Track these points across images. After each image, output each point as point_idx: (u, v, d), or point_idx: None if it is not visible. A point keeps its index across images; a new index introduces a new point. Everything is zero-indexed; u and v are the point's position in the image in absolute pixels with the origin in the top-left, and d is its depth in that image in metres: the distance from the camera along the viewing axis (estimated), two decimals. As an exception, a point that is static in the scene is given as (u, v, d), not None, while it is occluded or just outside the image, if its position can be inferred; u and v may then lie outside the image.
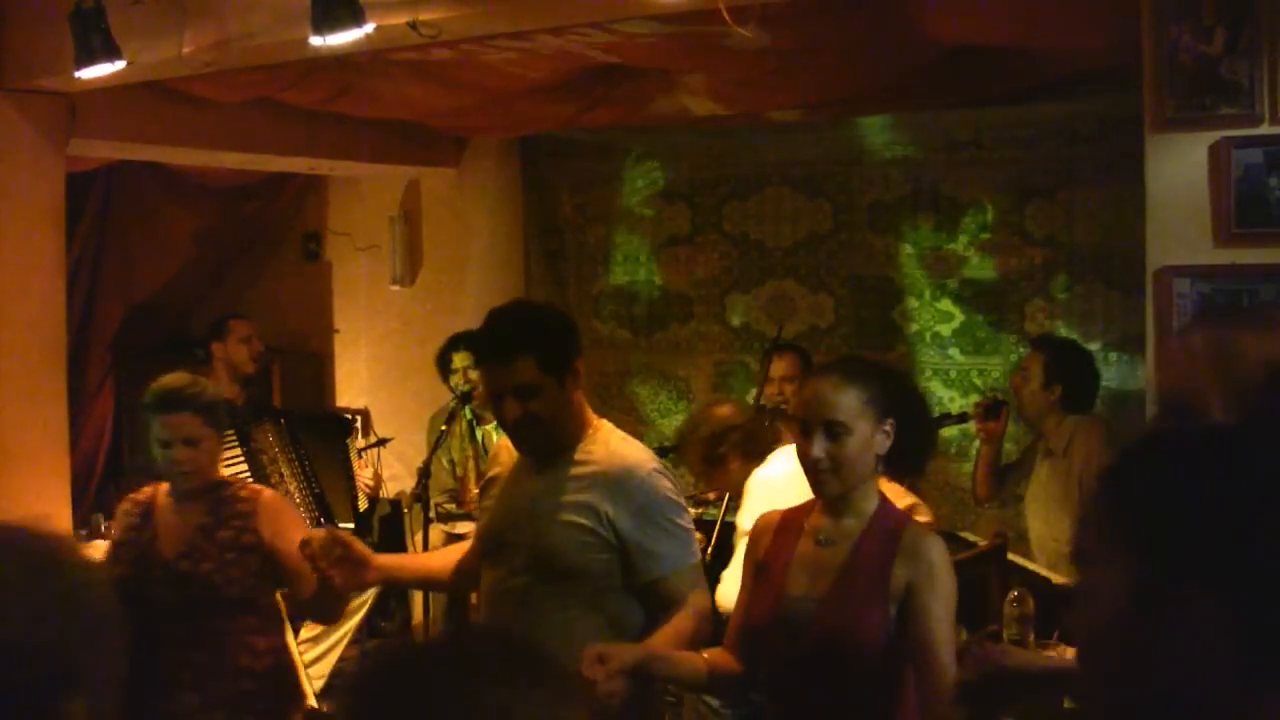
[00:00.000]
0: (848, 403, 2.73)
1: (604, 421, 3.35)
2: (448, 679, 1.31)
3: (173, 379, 3.63)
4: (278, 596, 3.74)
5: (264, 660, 3.59)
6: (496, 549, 3.24)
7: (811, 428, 2.76)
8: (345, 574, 3.16)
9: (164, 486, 3.68)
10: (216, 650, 3.52)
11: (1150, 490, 1.33)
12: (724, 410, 4.73)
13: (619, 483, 3.12)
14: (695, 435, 4.66)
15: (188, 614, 3.51)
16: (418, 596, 6.56)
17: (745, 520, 4.24)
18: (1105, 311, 5.94)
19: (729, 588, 3.92)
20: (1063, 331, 5.92)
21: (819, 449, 2.74)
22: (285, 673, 3.75)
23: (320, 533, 3.25)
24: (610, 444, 3.23)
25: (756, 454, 4.49)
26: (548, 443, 3.18)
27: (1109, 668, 1.36)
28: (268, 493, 3.75)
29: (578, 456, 3.19)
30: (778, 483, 4.25)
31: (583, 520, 3.09)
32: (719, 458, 4.55)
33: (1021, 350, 5.96)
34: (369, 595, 5.96)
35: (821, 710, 2.76)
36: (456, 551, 3.53)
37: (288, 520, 3.68)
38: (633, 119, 6.44)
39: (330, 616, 3.71)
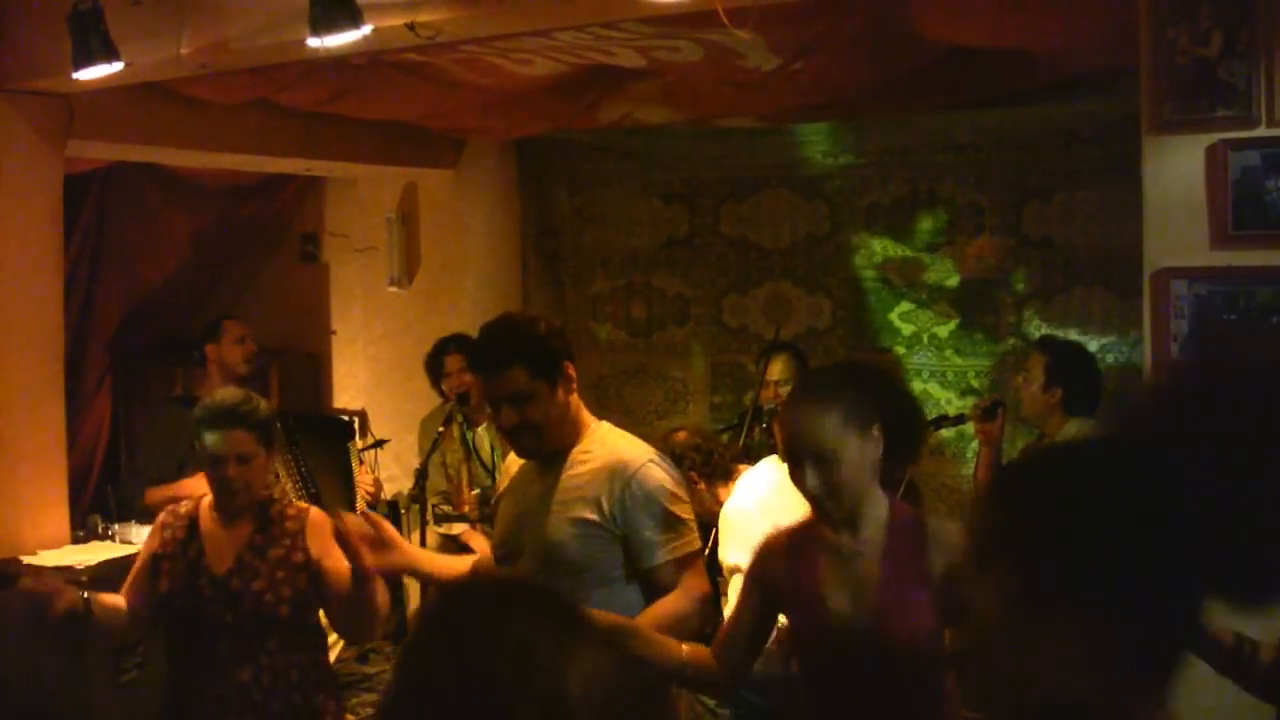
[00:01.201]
0: (828, 427, 2.69)
1: (603, 422, 3.44)
2: (480, 617, 1.40)
3: (227, 394, 3.62)
4: (320, 616, 3.72)
5: (310, 678, 3.57)
6: (508, 554, 3.34)
7: (799, 459, 2.74)
8: (376, 553, 3.23)
9: (206, 500, 3.64)
10: (266, 669, 3.49)
11: (1028, 505, 1.36)
12: (681, 435, 4.73)
13: (617, 474, 3.22)
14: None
15: (237, 632, 3.47)
16: (414, 597, 6.56)
17: (728, 555, 4.23)
18: (1102, 313, 5.95)
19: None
20: (1059, 333, 5.93)
21: (812, 480, 2.72)
22: (330, 693, 3.72)
23: (352, 514, 3.36)
24: (608, 440, 3.33)
25: (719, 475, 4.52)
26: (545, 445, 3.28)
27: (995, 673, 1.39)
28: (314, 511, 3.72)
29: (577, 455, 3.30)
30: (752, 513, 4.24)
31: (586, 514, 3.19)
32: (695, 475, 4.55)
33: (1019, 352, 5.98)
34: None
35: (884, 715, 2.75)
36: (473, 560, 3.66)
37: (333, 539, 3.61)
38: (631, 121, 6.45)
39: (364, 630, 3.62)
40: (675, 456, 4.54)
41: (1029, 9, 4.31)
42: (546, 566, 3.18)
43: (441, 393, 6.37)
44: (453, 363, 6.42)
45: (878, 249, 6.57)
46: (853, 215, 6.60)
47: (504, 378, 3.20)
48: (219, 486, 3.56)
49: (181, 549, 3.58)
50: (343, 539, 3.18)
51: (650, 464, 3.25)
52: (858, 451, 2.71)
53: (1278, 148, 3.48)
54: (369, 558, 3.19)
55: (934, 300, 6.39)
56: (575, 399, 3.36)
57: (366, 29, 4.01)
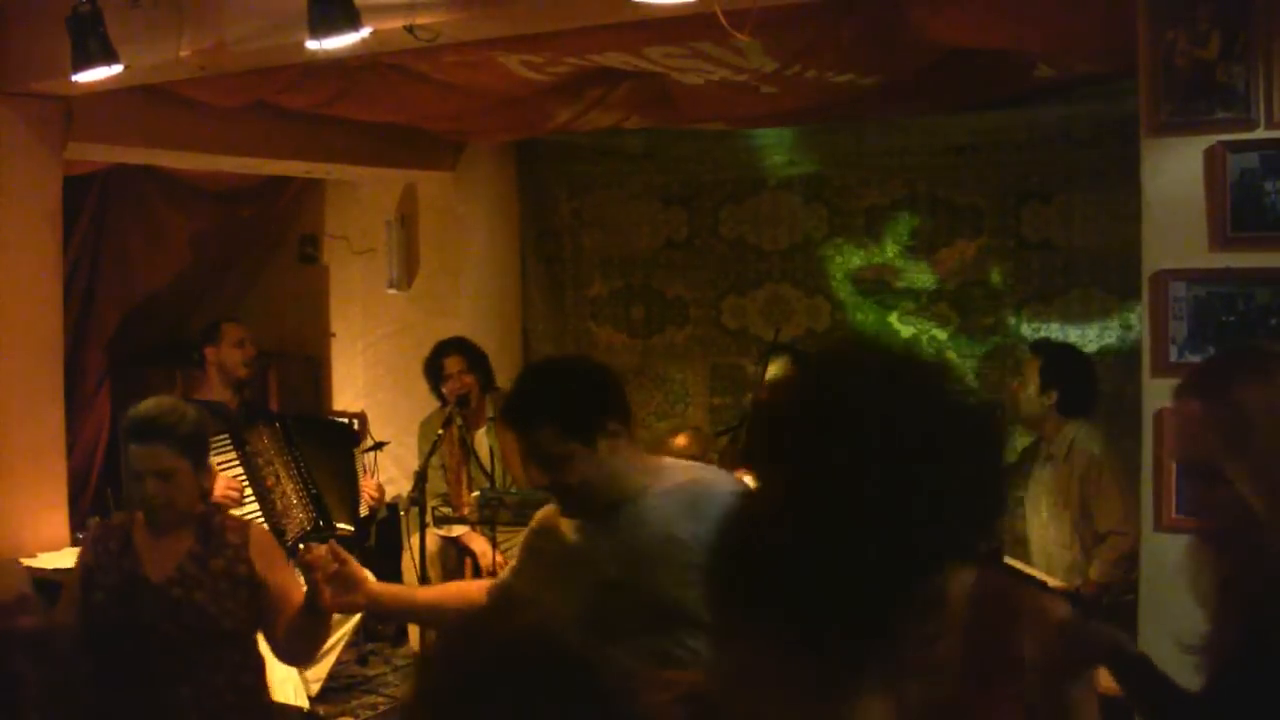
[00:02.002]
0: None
1: (668, 460, 3.16)
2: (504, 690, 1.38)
3: (151, 404, 3.40)
4: (258, 634, 3.54)
5: (248, 698, 3.42)
6: (601, 631, 2.75)
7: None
8: (337, 591, 3.02)
9: (140, 514, 3.44)
10: (204, 684, 3.31)
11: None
12: (679, 440, 4.70)
13: (696, 502, 2.84)
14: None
15: (175, 645, 3.29)
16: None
17: None
18: (1101, 315, 5.95)
19: None
20: (1058, 336, 5.93)
21: None
22: (267, 713, 3.64)
23: (321, 546, 3.09)
24: (678, 475, 2.99)
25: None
26: (594, 502, 2.91)
27: None
28: (257, 525, 3.61)
29: (648, 502, 2.91)
30: None
31: (694, 558, 2.69)
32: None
33: (1016, 354, 5.98)
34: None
35: None
36: (454, 591, 3.42)
37: (277, 555, 3.52)
38: (631, 123, 6.45)
39: (304, 656, 3.47)
40: None
41: (1027, 11, 4.31)
42: (666, 630, 2.76)
43: (441, 396, 6.37)
44: (452, 365, 6.41)
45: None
46: (851, 217, 6.60)
47: (530, 439, 2.86)
48: (139, 502, 3.37)
49: (116, 560, 3.38)
50: (307, 572, 3.02)
51: (731, 494, 2.71)
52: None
53: (1276, 149, 3.48)
54: (328, 596, 3.01)
55: (933, 302, 6.39)
56: (623, 451, 2.93)
57: (365, 31, 4.01)
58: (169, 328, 7.70)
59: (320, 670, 5.82)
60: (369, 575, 3.12)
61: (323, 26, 3.96)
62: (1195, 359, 3.56)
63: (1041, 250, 6.11)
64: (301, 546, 3.14)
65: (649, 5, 3.83)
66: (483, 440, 6.59)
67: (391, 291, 7.59)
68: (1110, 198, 5.81)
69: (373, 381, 7.79)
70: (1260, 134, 3.49)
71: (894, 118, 6.33)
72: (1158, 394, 3.61)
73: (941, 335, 6.38)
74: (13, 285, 5.31)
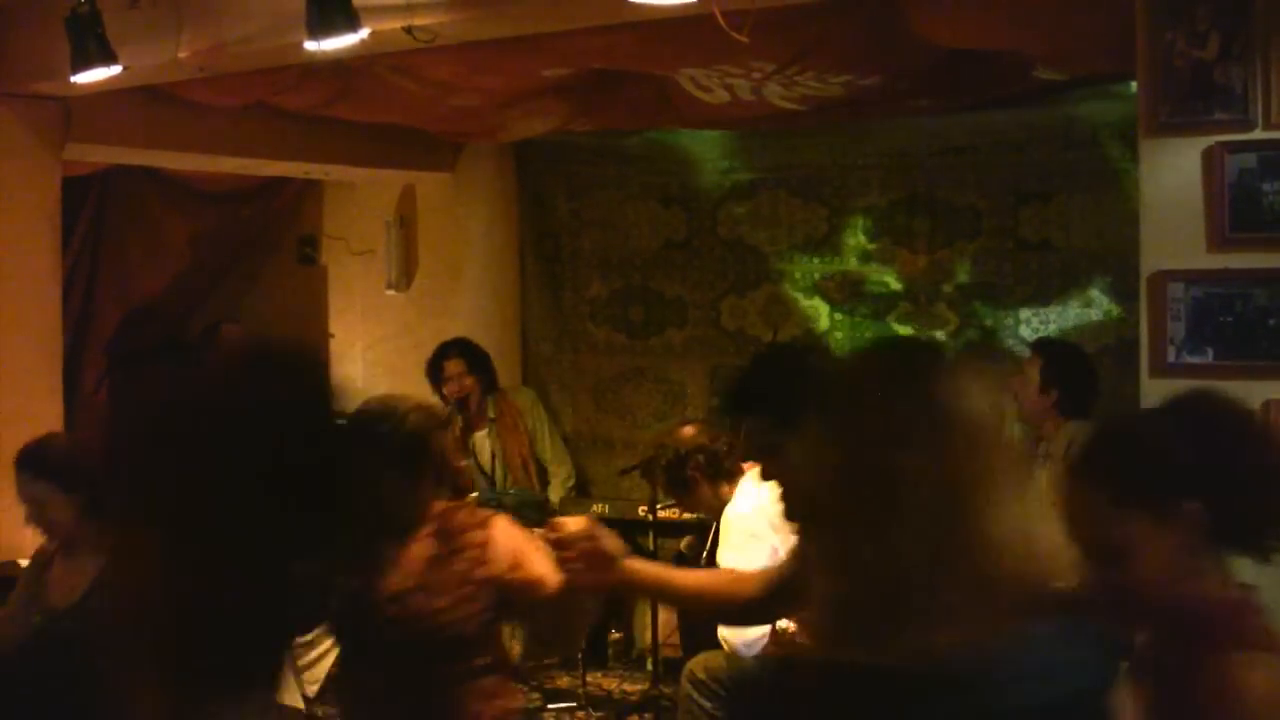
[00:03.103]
0: None
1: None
2: None
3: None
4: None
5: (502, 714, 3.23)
6: None
7: None
8: (591, 570, 2.77)
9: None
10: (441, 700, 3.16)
11: None
12: (688, 431, 4.68)
13: None
14: (660, 459, 4.63)
15: (402, 659, 3.15)
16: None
17: (725, 558, 4.23)
18: (1100, 316, 5.95)
19: None
20: (1056, 335, 5.93)
21: None
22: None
23: (573, 520, 2.90)
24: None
25: (724, 475, 4.49)
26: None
27: None
28: (500, 519, 3.28)
29: None
30: (750, 519, 4.25)
31: None
32: (686, 480, 4.52)
33: (1015, 354, 5.98)
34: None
35: None
36: (718, 582, 3.20)
37: (529, 547, 3.21)
38: (630, 124, 6.46)
39: (568, 646, 3.24)
40: (679, 456, 4.53)
41: (1026, 12, 4.31)
42: None
43: (442, 397, 6.38)
44: (452, 368, 6.42)
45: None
46: (850, 217, 6.60)
47: (742, 428, 2.86)
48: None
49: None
50: (559, 549, 2.79)
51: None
52: None
53: (1274, 150, 3.48)
54: (582, 576, 2.77)
55: (931, 302, 6.40)
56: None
57: (364, 32, 4.01)
58: (168, 328, 7.70)
59: (318, 672, 5.82)
60: (622, 549, 2.86)
61: (321, 27, 3.97)
62: (1193, 360, 3.57)
63: (1040, 251, 6.11)
64: (550, 522, 2.90)
65: (648, 6, 3.83)
66: (483, 442, 6.60)
67: (390, 292, 7.59)
68: (1109, 198, 5.81)
69: (371, 382, 7.78)
70: (1258, 135, 3.50)
71: (893, 118, 6.33)
72: (1156, 394, 3.61)
73: (939, 337, 6.38)
74: (12, 286, 5.31)
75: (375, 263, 7.65)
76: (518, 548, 3.18)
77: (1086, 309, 6.03)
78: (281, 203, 7.87)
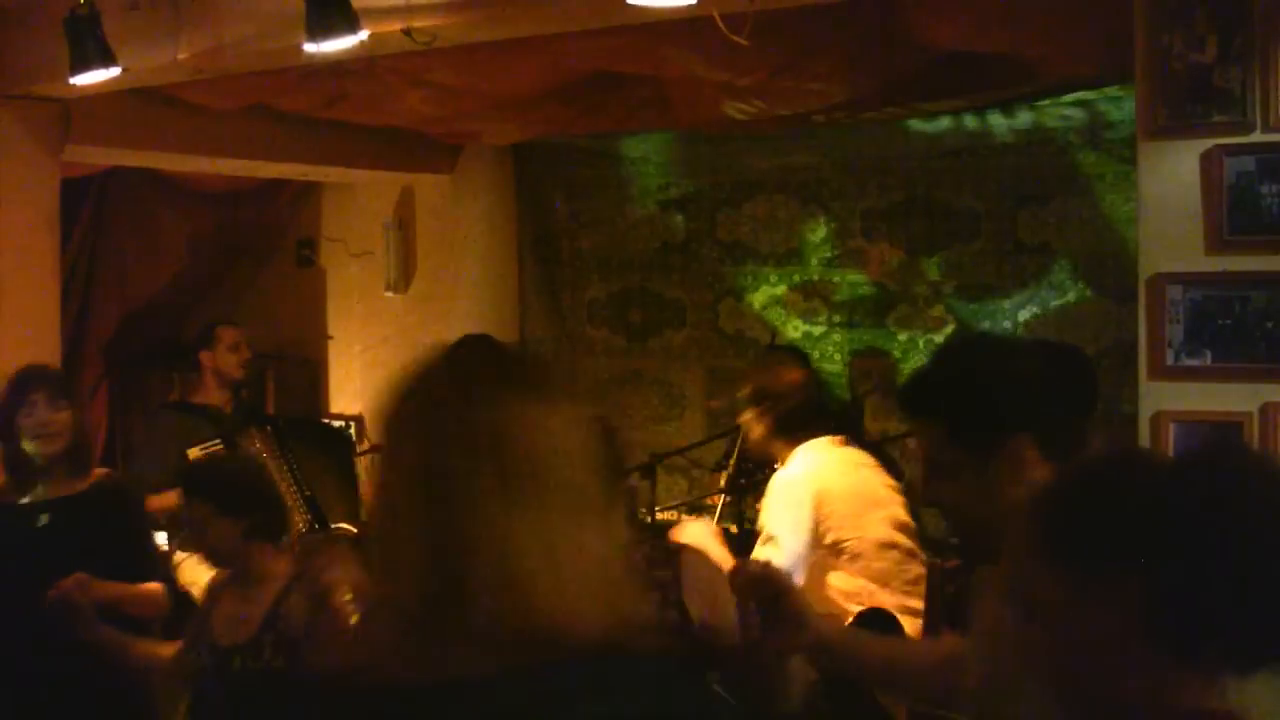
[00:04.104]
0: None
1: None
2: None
3: None
4: None
5: None
6: None
7: None
8: (778, 628, 2.33)
9: None
10: None
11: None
12: (793, 375, 4.58)
13: None
14: (758, 377, 4.54)
15: None
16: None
17: (771, 524, 4.24)
18: (1098, 319, 5.95)
19: None
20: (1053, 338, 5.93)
21: None
22: None
23: (758, 562, 2.55)
24: None
25: (786, 433, 4.41)
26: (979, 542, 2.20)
27: None
28: (689, 550, 2.86)
29: None
30: (798, 480, 4.28)
31: None
32: (759, 410, 4.41)
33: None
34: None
35: None
36: (918, 653, 2.70)
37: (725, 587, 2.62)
38: (628, 126, 6.46)
39: (772, 701, 2.58)
40: (768, 390, 4.43)
41: (1024, 15, 4.32)
42: None
43: None
44: None
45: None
46: (849, 220, 6.60)
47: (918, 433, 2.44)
48: None
49: None
50: (743, 599, 2.42)
51: None
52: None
53: (1273, 153, 3.49)
54: (771, 636, 2.34)
55: (930, 304, 6.40)
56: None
57: (363, 34, 4.01)
58: (166, 330, 7.69)
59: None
60: (812, 609, 2.40)
61: (320, 29, 3.96)
62: (1192, 362, 3.57)
63: (1039, 253, 6.12)
64: (738, 566, 2.50)
65: (646, 9, 3.83)
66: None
67: (389, 294, 7.59)
68: (1107, 201, 5.82)
69: (370, 384, 7.78)
70: (1257, 137, 3.50)
71: (891, 121, 6.33)
72: (1154, 397, 3.62)
73: (939, 338, 6.38)
74: (10, 288, 5.31)
75: (374, 264, 7.65)
76: (712, 586, 2.67)
77: (1084, 311, 6.03)
78: (280, 204, 7.87)
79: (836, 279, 6.62)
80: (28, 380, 3.87)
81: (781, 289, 6.78)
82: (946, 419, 2.11)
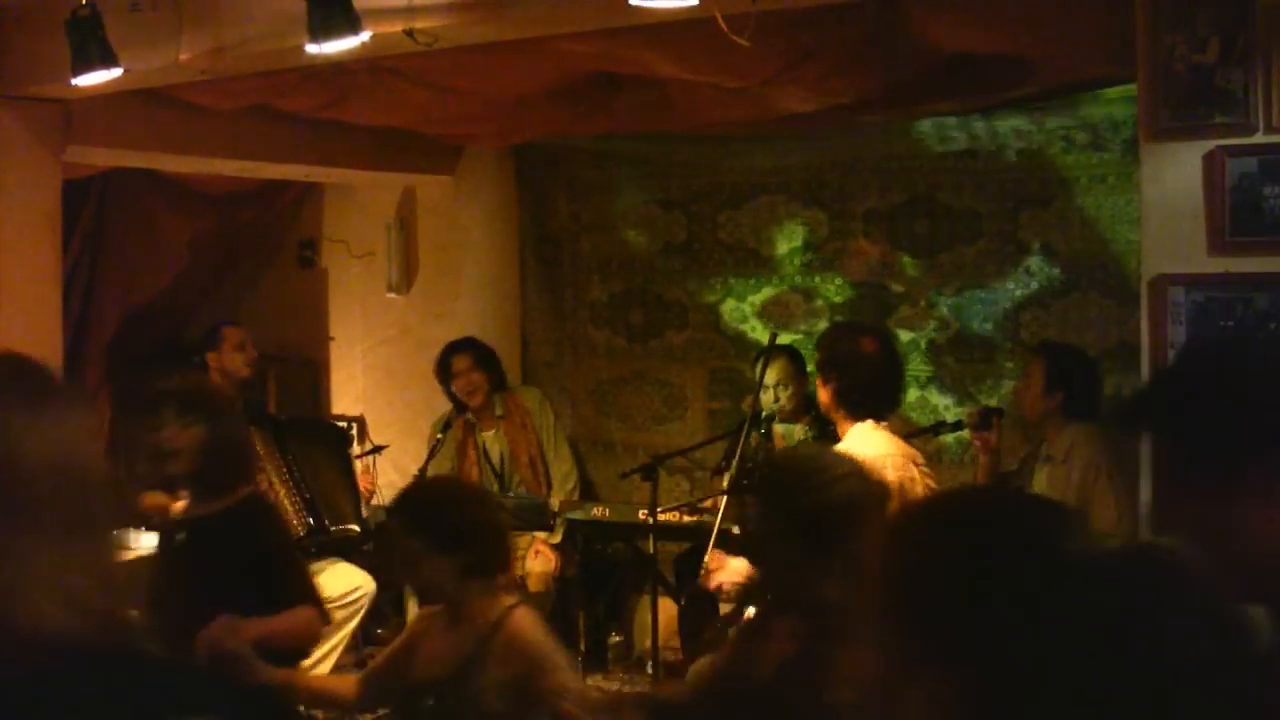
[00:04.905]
0: None
1: None
2: None
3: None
4: None
5: None
6: None
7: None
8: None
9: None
10: None
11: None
12: (865, 346, 4.45)
13: None
14: (827, 345, 4.42)
15: None
16: (411, 602, 6.55)
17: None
18: (1100, 320, 5.95)
19: None
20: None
21: None
22: None
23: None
24: None
25: (848, 405, 4.22)
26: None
27: None
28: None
29: None
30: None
31: None
32: (823, 379, 4.26)
33: (1018, 358, 5.98)
34: (364, 601, 5.96)
35: None
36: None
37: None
38: (630, 127, 6.46)
39: None
40: (840, 359, 4.28)
41: (1026, 15, 4.31)
42: None
43: (451, 395, 6.42)
44: (460, 363, 6.44)
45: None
46: (850, 221, 6.60)
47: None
48: None
49: None
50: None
51: None
52: None
53: (1275, 154, 3.49)
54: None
55: (932, 306, 6.40)
56: None
57: (365, 35, 4.01)
58: (168, 330, 7.70)
59: (320, 671, 5.82)
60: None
61: (322, 30, 3.96)
62: (1194, 363, 3.56)
63: (1040, 255, 6.12)
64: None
65: (649, 10, 3.83)
66: (493, 442, 6.60)
67: (391, 295, 7.59)
68: (1109, 202, 5.82)
69: (372, 385, 7.79)
70: (1259, 139, 3.50)
71: (893, 121, 6.33)
72: (1156, 398, 3.61)
73: (941, 339, 6.38)
74: (12, 289, 5.31)
75: (376, 265, 7.65)
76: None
77: (1086, 313, 6.02)
78: (282, 205, 7.87)
79: (839, 280, 6.62)
80: (158, 397, 3.72)
81: (782, 289, 6.78)
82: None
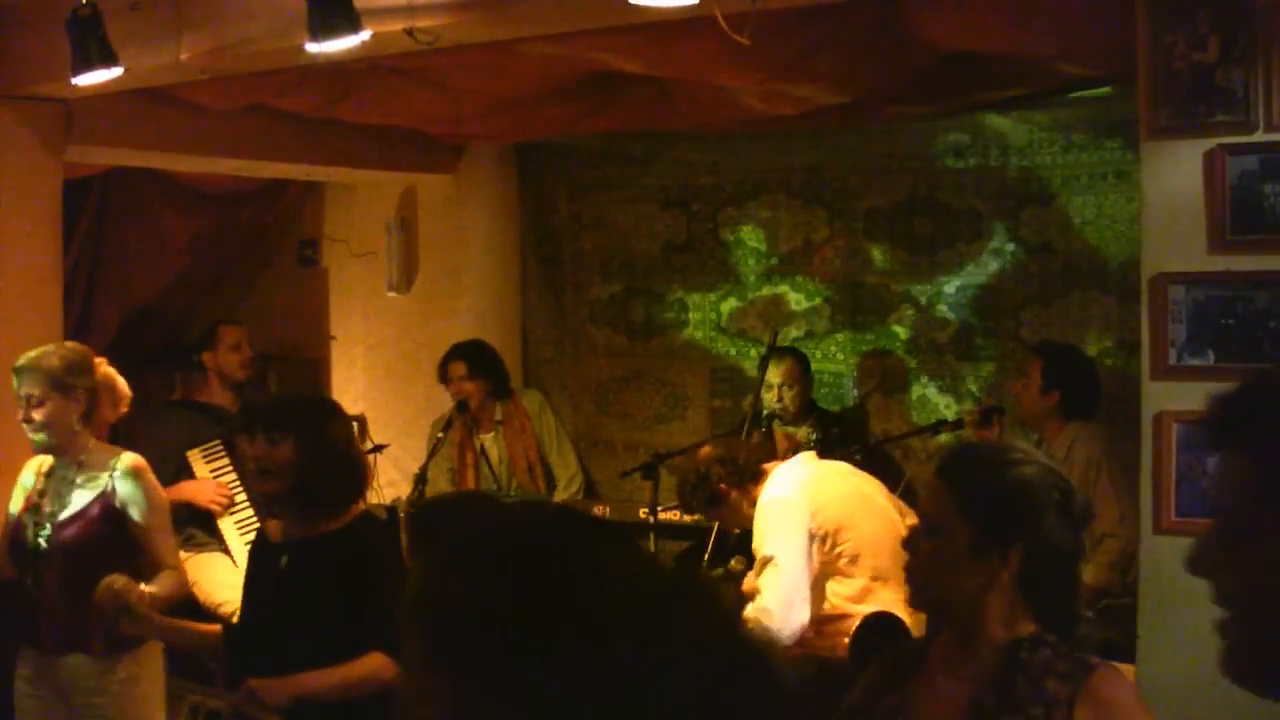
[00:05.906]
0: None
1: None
2: None
3: None
4: None
5: None
6: None
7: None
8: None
9: None
10: None
11: None
12: (704, 450, 4.69)
13: None
14: (687, 487, 4.61)
15: None
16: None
17: (766, 546, 4.25)
18: (1101, 318, 5.95)
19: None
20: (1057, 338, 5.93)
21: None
22: None
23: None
24: None
25: (748, 478, 4.48)
26: None
27: None
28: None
29: None
30: (794, 499, 4.27)
31: None
32: (716, 495, 4.50)
33: (1017, 356, 5.98)
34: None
35: None
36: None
37: None
38: (631, 125, 6.46)
39: None
40: (701, 475, 4.52)
41: (1027, 14, 4.31)
42: None
43: (453, 398, 6.45)
44: (454, 370, 6.46)
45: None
46: (851, 220, 6.61)
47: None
48: None
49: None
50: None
51: None
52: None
53: (1275, 153, 3.49)
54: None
55: (932, 305, 6.40)
56: None
57: (365, 34, 4.01)
58: (169, 330, 7.70)
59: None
60: None
61: (322, 29, 3.96)
62: (1194, 362, 3.57)
63: (1041, 253, 6.12)
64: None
65: (650, 9, 3.83)
66: (491, 445, 6.61)
67: (391, 294, 7.59)
68: (1109, 201, 5.82)
69: (373, 384, 7.79)
70: (1259, 137, 3.50)
71: (893, 120, 6.33)
72: (1156, 397, 3.61)
73: (942, 338, 6.38)
74: (13, 288, 5.31)
75: (376, 265, 7.65)
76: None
77: (1086, 312, 6.02)
78: (282, 205, 7.87)
79: (840, 281, 6.62)
80: (250, 412, 3.60)
81: (783, 288, 6.78)
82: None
